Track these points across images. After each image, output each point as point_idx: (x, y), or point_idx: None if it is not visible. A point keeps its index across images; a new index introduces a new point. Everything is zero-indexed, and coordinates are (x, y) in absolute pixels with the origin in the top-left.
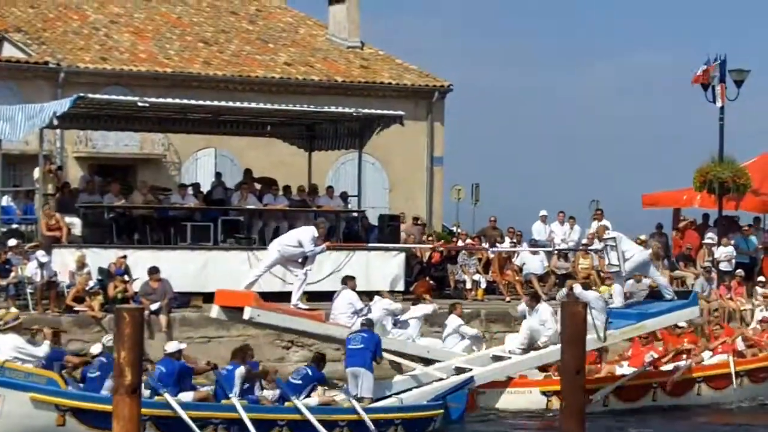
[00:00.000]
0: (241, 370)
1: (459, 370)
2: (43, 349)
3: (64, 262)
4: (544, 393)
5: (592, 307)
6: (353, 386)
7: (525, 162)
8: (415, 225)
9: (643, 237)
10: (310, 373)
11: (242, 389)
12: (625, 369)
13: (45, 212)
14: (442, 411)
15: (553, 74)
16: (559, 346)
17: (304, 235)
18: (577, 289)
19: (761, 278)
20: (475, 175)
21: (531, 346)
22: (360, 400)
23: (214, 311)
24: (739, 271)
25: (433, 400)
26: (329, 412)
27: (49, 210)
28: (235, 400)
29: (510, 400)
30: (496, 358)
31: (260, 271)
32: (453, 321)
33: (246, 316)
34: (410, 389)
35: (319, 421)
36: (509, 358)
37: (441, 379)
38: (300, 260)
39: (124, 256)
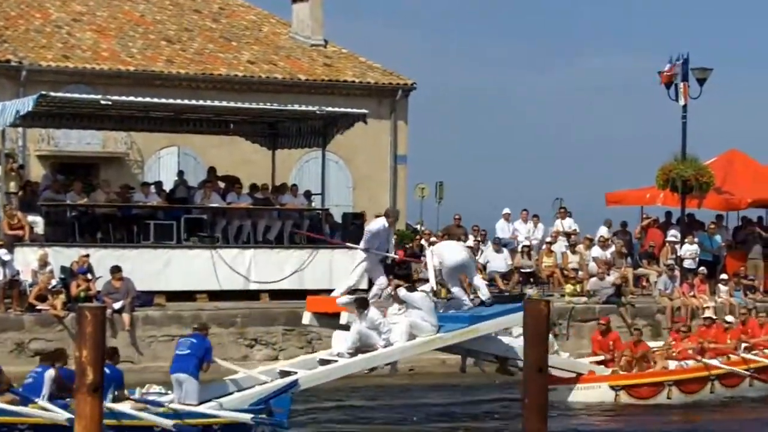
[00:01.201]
0: (50, 373)
1: (284, 374)
2: None
3: (26, 260)
4: (612, 387)
5: (418, 307)
6: (178, 392)
7: (489, 160)
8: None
9: (606, 235)
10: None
11: (51, 393)
12: (673, 364)
13: (7, 211)
14: (263, 416)
15: (515, 74)
16: (396, 346)
17: (374, 225)
18: (402, 291)
19: (724, 276)
20: (439, 173)
21: (360, 349)
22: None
23: (306, 318)
24: (702, 269)
25: (254, 404)
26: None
27: (11, 209)
28: (43, 404)
29: (580, 395)
30: (324, 362)
31: (356, 276)
32: None
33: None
34: (232, 393)
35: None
36: (336, 361)
37: (265, 383)
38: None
39: (87, 255)
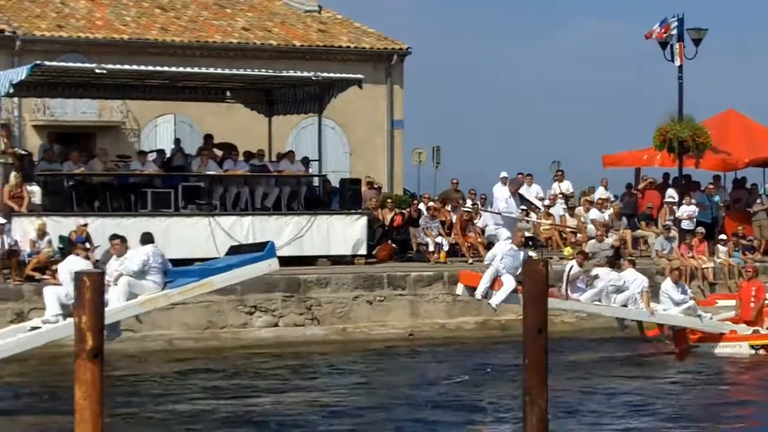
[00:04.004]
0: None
1: None
2: None
3: (24, 230)
4: (752, 346)
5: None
6: None
7: (485, 125)
8: (371, 189)
9: (604, 196)
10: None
11: None
12: None
13: (13, 179)
14: None
15: (511, 39)
16: (112, 306)
17: (496, 194)
18: None
19: (722, 236)
20: (436, 138)
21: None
22: None
23: (459, 289)
24: (700, 229)
25: None
26: None
27: (19, 177)
28: None
29: (723, 353)
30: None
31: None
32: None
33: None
34: None
35: None
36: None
37: None
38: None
39: (85, 224)
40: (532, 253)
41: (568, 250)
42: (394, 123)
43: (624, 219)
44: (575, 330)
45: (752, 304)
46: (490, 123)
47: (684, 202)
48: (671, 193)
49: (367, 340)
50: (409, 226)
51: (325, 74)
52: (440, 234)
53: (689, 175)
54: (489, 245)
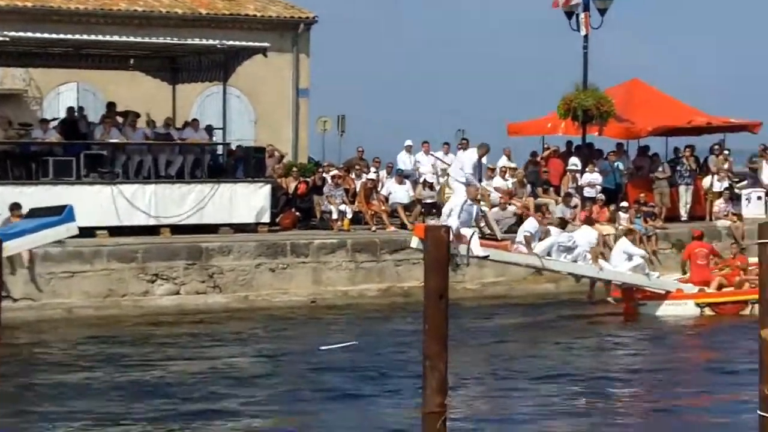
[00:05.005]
0: None
1: None
2: None
3: None
4: (697, 305)
5: None
6: None
7: (392, 93)
8: (270, 157)
9: (512, 165)
10: None
11: None
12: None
13: None
14: None
15: (417, 6)
16: None
17: (465, 158)
18: None
19: (624, 204)
20: (342, 106)
21: None
22: None
23: (414, 242)
24: (600, 196)
25: None
26: None
27: None
28: None
29: (668, 311)
30: None
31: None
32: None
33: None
34: None
35: None
36: None
37: None
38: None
39: None
40: (485, 208)
41: None
42: (299, 92)
43: (528, 187)
44: (477, 297)
45: (700, 262)
46: (394, 92)
47: (587, 169)
48: (574, 161)
49: (270, 308)
50: (314, 195)
51: (230, 42)
52: (344, 202)
53: (592, 143)
54: (393, 212)
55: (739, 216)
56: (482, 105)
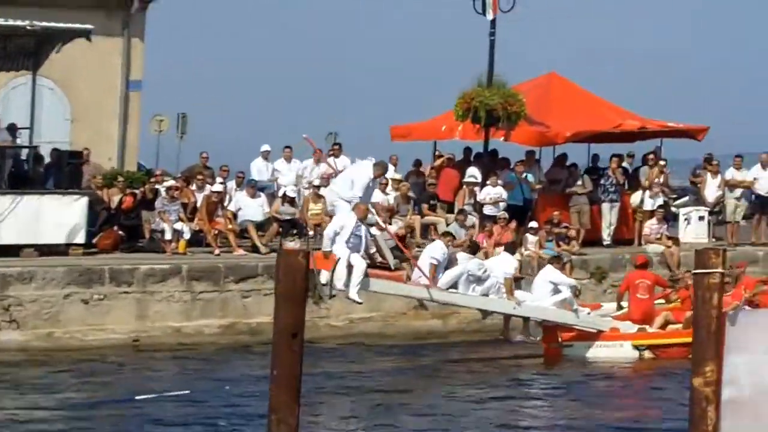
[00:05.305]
0: None
1: None
2: None
3: None
4: (636, 347)
5: None
6: None
7: (246, 88)
8: (88, 163)
9: (397, 176)
10: None
11: None
12: None
13: None
14: None
15: None
16: None
17: (358, 175)
18: None
19: (533, 224)
20: (183, 103)
21: None
22: None
23: (324, 276)
24: (503, 214)
25: None
26: None
27: None
28: None
29: (599, 353)
30: None
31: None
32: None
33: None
34: None
35: None
36: None
37: None
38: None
39: None
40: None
41: None
42: (129, 84)
43: (412, 203)
44: (343, 335)
45: (641, 295)
46: (249, 87)
47: (488, 182)
48: (472, 172)
49: (81, 348)
50: (142, 209)
51: (44, 24)
52: (180, 219)
53: (496, 151)
54: (242, 232)
55: (675, 240)
56: (360, 103)
